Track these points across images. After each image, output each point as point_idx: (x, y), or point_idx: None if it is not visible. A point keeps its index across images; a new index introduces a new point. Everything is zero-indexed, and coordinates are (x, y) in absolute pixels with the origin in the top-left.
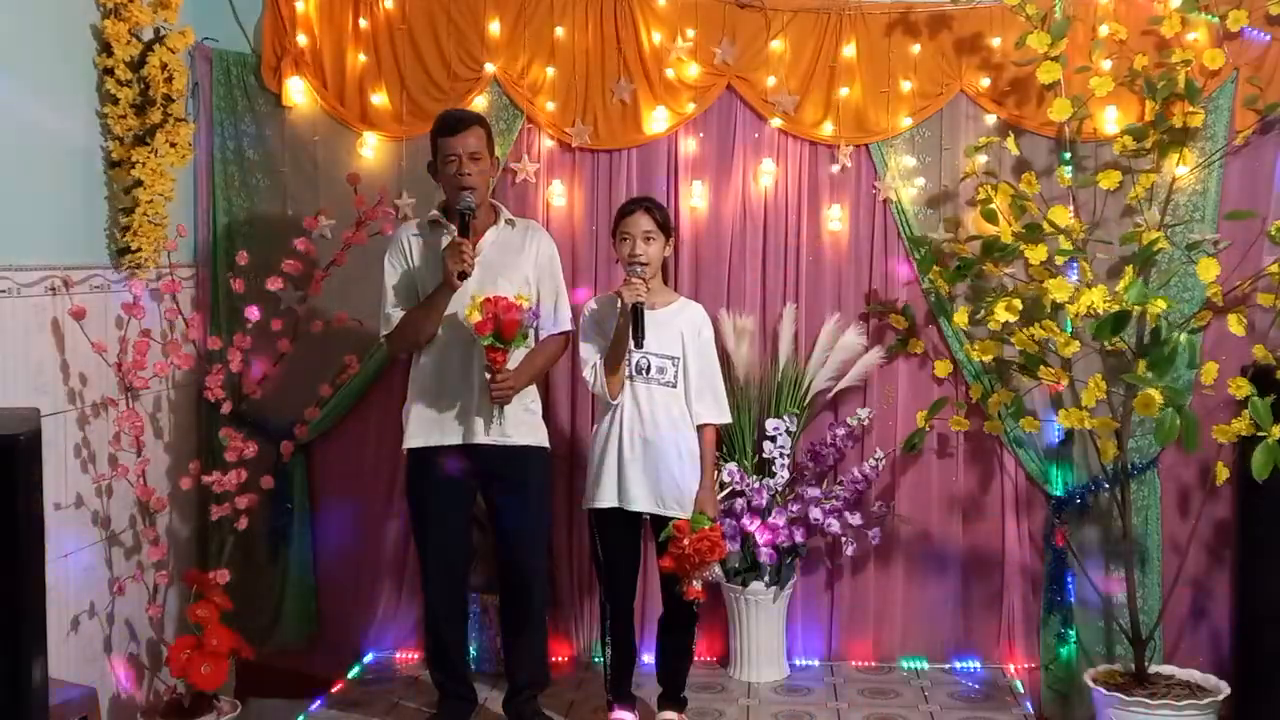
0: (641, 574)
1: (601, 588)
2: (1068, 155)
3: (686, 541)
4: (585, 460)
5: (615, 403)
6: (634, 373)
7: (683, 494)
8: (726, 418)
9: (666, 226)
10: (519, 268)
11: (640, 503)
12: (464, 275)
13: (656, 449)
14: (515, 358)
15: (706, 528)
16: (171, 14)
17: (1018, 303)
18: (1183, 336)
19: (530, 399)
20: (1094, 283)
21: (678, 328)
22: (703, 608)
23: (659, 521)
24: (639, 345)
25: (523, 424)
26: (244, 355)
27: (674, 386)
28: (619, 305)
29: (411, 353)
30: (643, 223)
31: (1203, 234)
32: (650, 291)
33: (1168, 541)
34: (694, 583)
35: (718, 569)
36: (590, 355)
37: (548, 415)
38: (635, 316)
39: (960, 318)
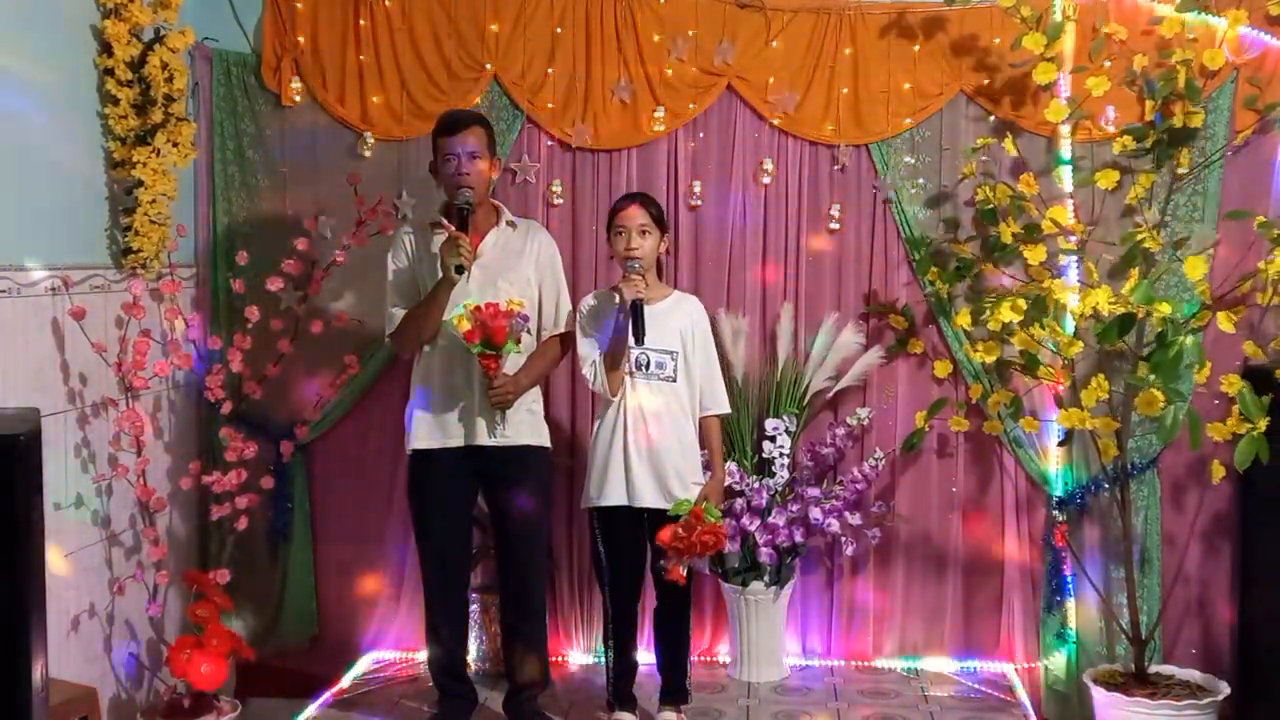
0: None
1: (605, 589)
2: (1065, 155)
3: (697, 529)
4: (586, 460)
5: (615, 399)
6: (634, 369)
7: (687, 488)
8: (728, 408)
9: (661, 220)
10: (520, 269)
11: (647, 498)
12: (461, 269)
13: (660, 445)
14: (513, 362)
15: (715, 522)
16: (171, 14)
17: (1022, 303)
18: (1188, 340)
19: (533, 399)
20: (1097, 283)
21: (675, 322)
22: (703, 608)
23: (656, 518)
24: (640, 342)
25: (524, 424)
26: (244, 355)
27: (674, 381)
28: (617, 301)
29: (416, 352)
30: (638, 216)
31: (1193, 234)
32: (647, 287)
33: (1167, 541)
34: (680, 567)
35: (704, 561)
36: (589, 352)
37: (547, 415)
38: (635, 313)
39: (962, 318)
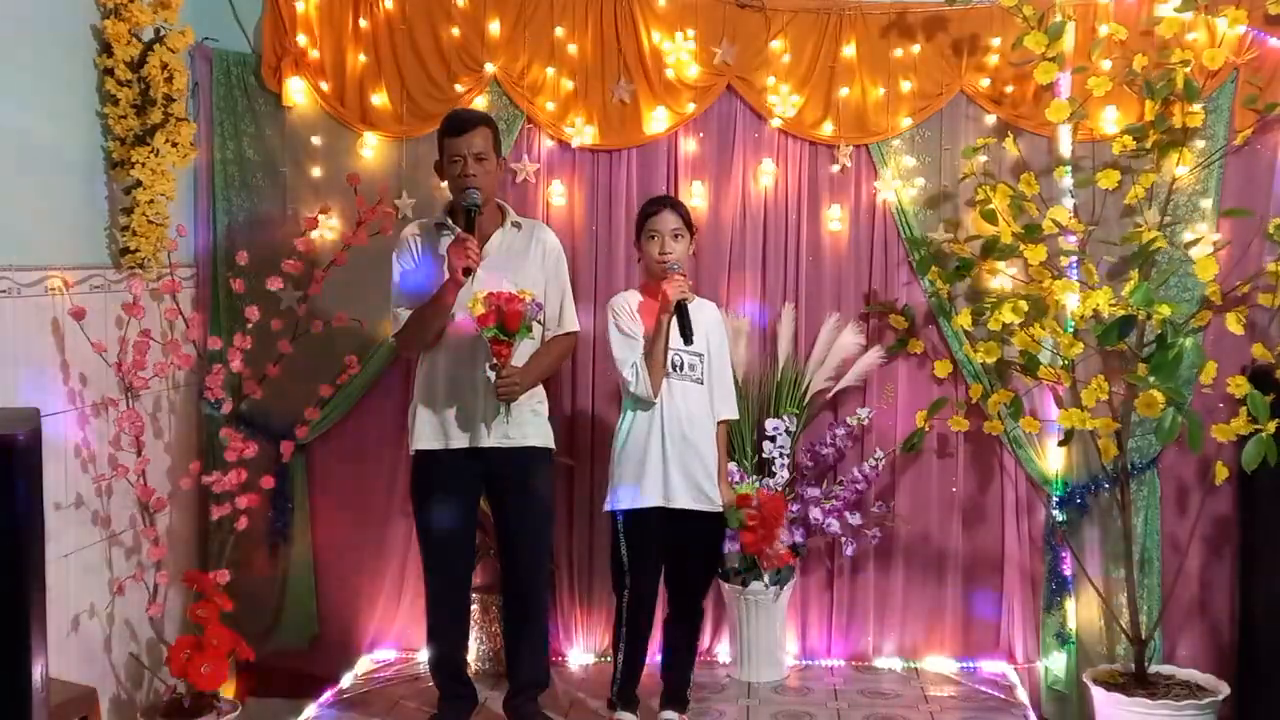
0: None
1: (625, 590)
2: (1066, 155)
3: (756, 505)
4: (587, 459)
5: (656, 401)
6: (670, 369)
7: (714, 487)
8: (737, 414)
9: (690, 224)
10: (525, 269)
11: (682, 499)
12: (469, 271)
13: (693, 445)
14: (522, 354)
15: (756, 493)
16: (171, 14)
17: (1023, 304)
18: (1188, 341)
19: (537, 400)
20: (1098, 285)
21: (702, 325)
22: (703, 608)
23: (682, 519)
24: (689, 341)
25: (529, 425)
26: (244, 355)
27: (702, 383)
28: (660, 302)
29: (421, 353)
30: (670, 221)
31: (1199, 233)
32: (691, 287)
33: (1168, 541)
34: (778, 546)
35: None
36: (628, 355)
37: (549, 415)
38: (681, 313)
39: (963, 319)
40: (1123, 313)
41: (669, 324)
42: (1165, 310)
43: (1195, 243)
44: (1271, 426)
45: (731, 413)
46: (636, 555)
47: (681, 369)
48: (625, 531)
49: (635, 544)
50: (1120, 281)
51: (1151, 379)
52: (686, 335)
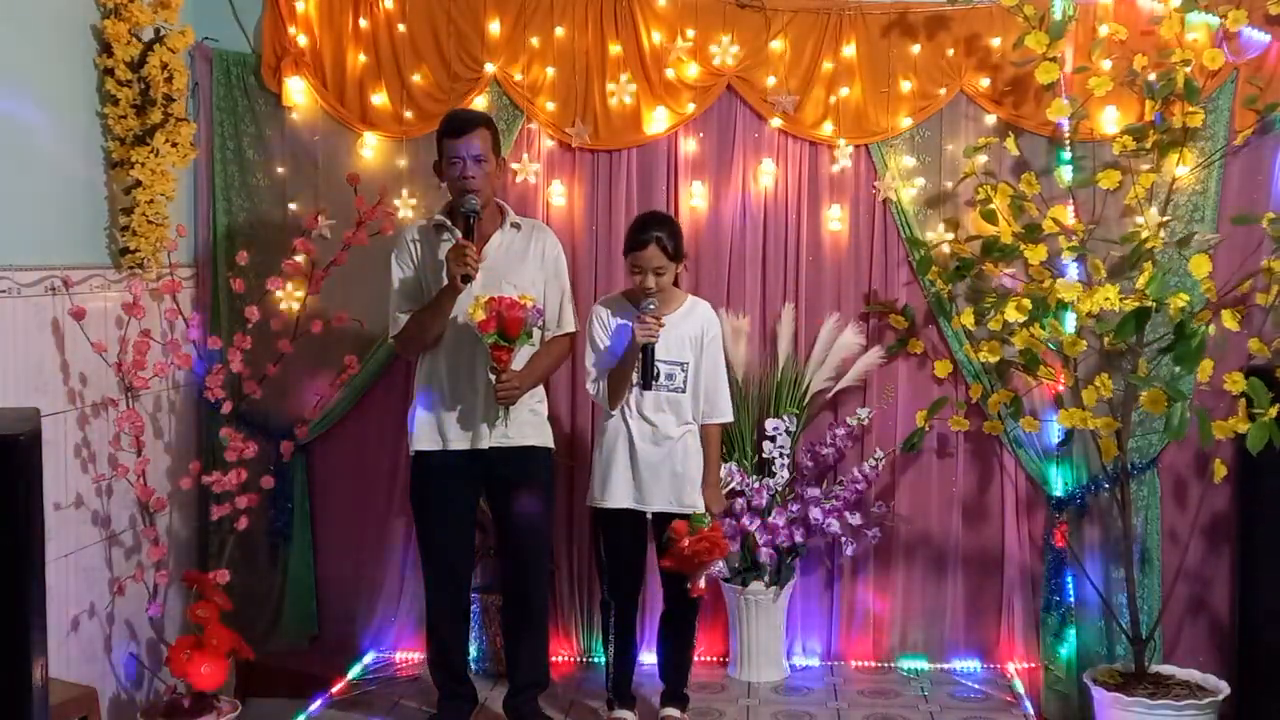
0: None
1: (604, 586)
2: (1066, 155)
3: (685, 543)
4: (586, 459)
5: (614, 413)
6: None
7: (694, 491)
8: (730, 417)
9: (678, 254)
10: (524, 271)
11: (652, 503)
12: (467, 278)
13: (666, 452)
14: (521, 357)
15: (705, 528)
16: (171, 14)
17: (1027, 303)
18: (1210, 328)
19: (537, 399)
20: (1103, 281)
21: (687, 331)
22: (703, 607)
23: (661, 518)
24: (646, 387)
25: (528, 424)
26: (244, 355)
27: (682, 392)
28: (632, 335)
29: (420, 355)
30: (654, 260)
31: (1198, 232)
32: (659, 300)
33: (1168, 541)
34: (698, 581)
35: (721, 564)
36: (594, 368)
37: (548, 415)
38: (645, 357)
39: (966, 318)
40: (1136, 305)
41: (634, 360)
42: (1183, 299)
43: (1190, 239)
44: (1274, 411)
45: (720, 415)
46: (611, 553)
47: (657, 379)
48: (601, 528)
49: (610, 541)
50: (1125, 278)
51: (1177, 370)
52: (646, 380)
